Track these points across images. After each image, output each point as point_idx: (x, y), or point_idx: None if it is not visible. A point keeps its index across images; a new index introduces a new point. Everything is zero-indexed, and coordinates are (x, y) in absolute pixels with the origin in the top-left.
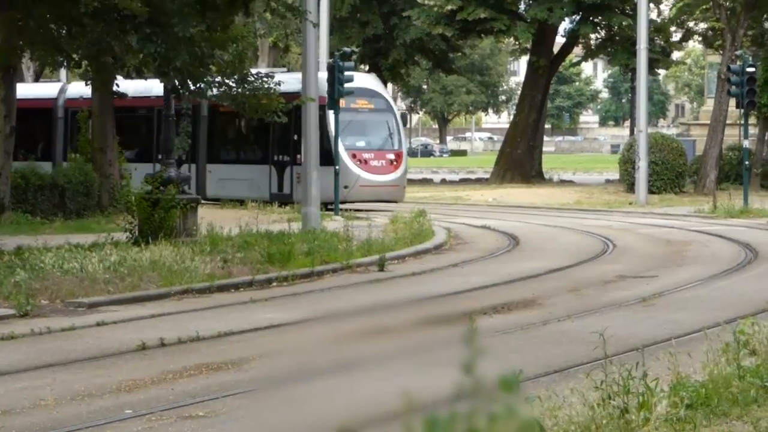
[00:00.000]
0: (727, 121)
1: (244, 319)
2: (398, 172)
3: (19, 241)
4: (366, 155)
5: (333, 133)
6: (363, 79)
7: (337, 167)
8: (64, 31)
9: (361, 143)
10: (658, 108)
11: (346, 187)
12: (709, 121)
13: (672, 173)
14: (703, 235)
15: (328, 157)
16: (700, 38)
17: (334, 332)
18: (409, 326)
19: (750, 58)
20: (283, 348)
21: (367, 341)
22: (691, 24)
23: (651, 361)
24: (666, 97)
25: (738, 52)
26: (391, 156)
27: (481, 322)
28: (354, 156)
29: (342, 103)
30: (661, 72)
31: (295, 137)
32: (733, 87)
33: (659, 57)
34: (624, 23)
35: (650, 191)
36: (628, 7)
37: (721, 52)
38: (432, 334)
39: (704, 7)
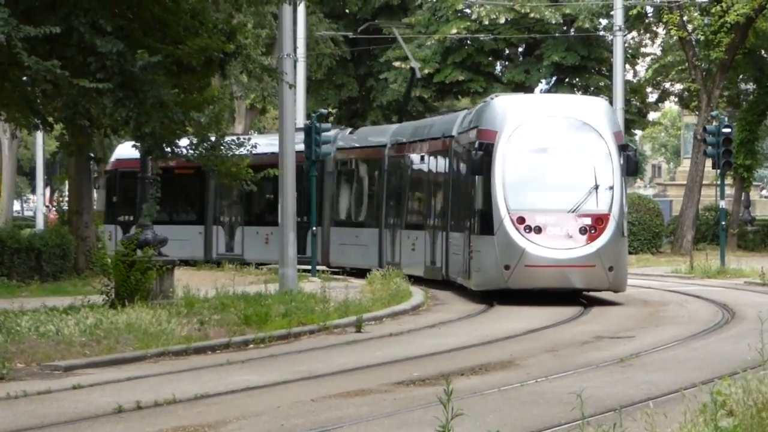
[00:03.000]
0: (704, 182)
1: (220, 381)
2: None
3: None
4: (542, 219)
5: (497, 193)
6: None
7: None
8: (39, 93)
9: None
10: None
11: (507, 267)
12: (685, 182)
13: (649, 233)
14: (680, 296)
15: (487, 222)
16: (676, 99)
17: (311, 394)
18: (387, 387)
19: (726, 119)
20: (260, 410)
21: (345, 402)
22: (667, 85)
23: (628, 422)
24: (642, 157)
25: (714, 113)
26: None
27: (458, 383)
28: (521, 220)
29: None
30: (638, 132)
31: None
32: (710, 147)
33: (635, 118)
34: (601, 83)
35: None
36: (604, 68)
37: (697, 112)
38: (409, 395)
39: (680, 68)
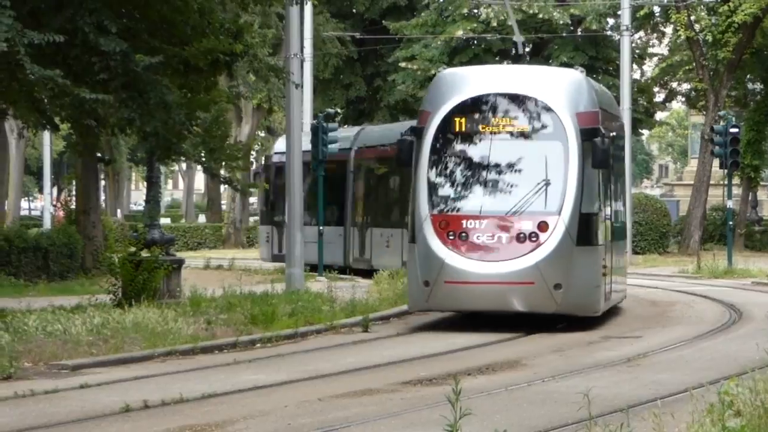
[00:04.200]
0: (711, 182)
1: (228, 380)
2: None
3: (3, 304)
4: (470, 223)
5: (420, 191)
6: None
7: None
8: (45, 95)
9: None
10: (641, 168)
11: (426, 283)
12: (692, 182)
13: (656, 234)
14: (687, 296)
15: (412, 227)
16: (683, 99)
17: (318, 393)
18: (394, 387)
19: (733, 119)
20: (267, 409)
21: (352, 402)
22: (674, 84)
23: (636, 422)
24: (650, 157)
25: (721, 113)
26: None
27: (466, 383)
28: (445, 225)
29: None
30: (645, 132)
31: None
32: (717, 147)
33: (642, 117)
34: (608, 83)
35: (634, 252)
36: (611, 68)
37: (704, 112)
38: (417, 394)
39: (687, 67)
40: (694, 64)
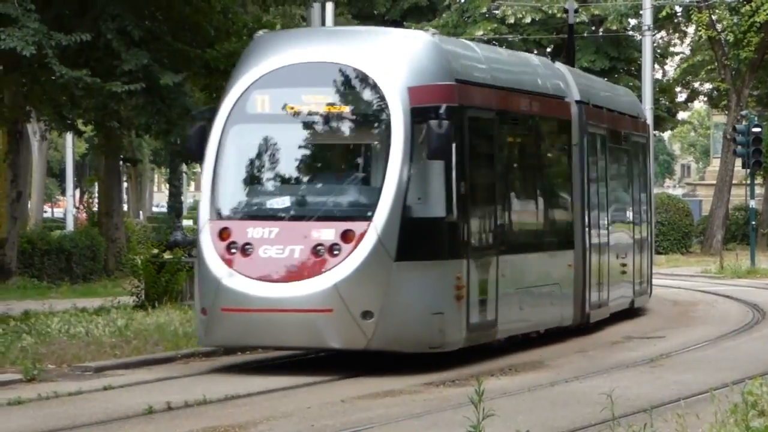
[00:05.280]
0: (734, 181)
1: (251, 381)
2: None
3: (26, 306)
4: (256, 231)
5: (202, 190)
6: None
7: None
8: (66, 99)
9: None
10: (663, 168)
11: (204, 311)
12: (715, 181)
13: (678, 233)
14: (710, 296)
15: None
16: (705, 98)
17: (341, 394)
18: (417, 388)
19: (756, 118)
20: (290, 410)
21: (375, 403)
22: (696, 84)
23: (659, 422)
24: (672, 157)
25: (743, 112)
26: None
27: (488, 384)
28: (225, 234)
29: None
30: (667, 132)
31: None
32: (739, 147)
33: (665, 116)
34: (630, 84)
35: (657, 251)
36: (633, 68)
37: (726, 112)
38: (439, 395)
39: (709, 67)
40: (716, 64)
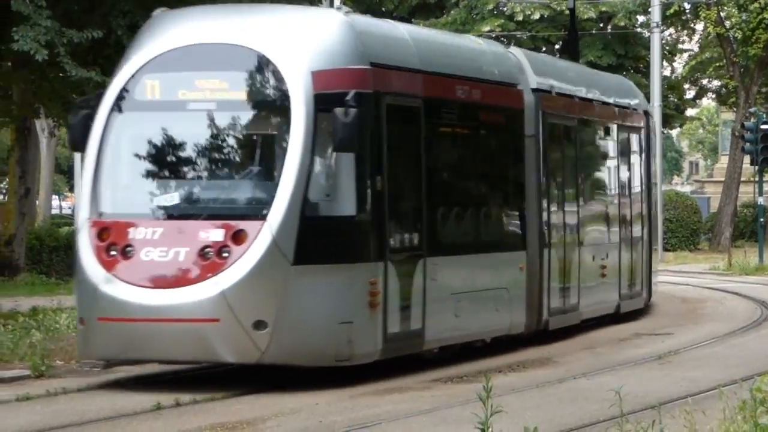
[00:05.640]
0: (742, 178)
1: (259, 377)
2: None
3: (34, 302)
4: (138, 232)
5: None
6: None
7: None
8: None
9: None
10: (672, 165)
11: (82, 321)
12: (723, 179)
13: (687, 230)
14: (718, 293)
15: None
16: (713, 95)
17: (349, 391)
18: (425, 384)
19: (764, 115)
20: (298, 407)
21: (383, 399)
22: (704, 81)
23: (667, 419)
24: (680, 154)
25: (752, 109)
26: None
27: (496, 380)
28: (104, 235)
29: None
30: (675, 130)
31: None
32: (748, 144)
33: (673, 113)
34: (637, 81)
35: (665, 248)
36: (641, 65)
37: (734, 109)
38: (447, 392)
39: (717, 64)
40: (724, 61)
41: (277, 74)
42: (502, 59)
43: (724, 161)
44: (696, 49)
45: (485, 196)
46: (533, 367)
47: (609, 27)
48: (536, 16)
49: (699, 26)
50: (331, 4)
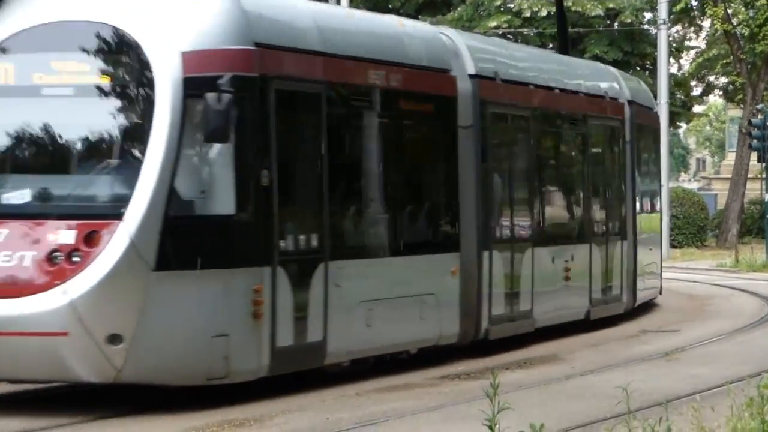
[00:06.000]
0: (749, 175)
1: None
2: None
3: None
4: None
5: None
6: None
7: None
8: None
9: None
10: (679, 162)
11: None
12: (730, 175)
13: (693, 227)
14: (725, 289)
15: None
16: (720, 92)
17: (356, 388)
18: (432, 381)
19: None
20: (305, 404)
21: (390, 396)
22: (711, 78)
23: (674, 416)
24: (687, 151)
25: (759, 106)
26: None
27: (503, 377)
28: None
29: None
30: (682, 127)
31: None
32: (755, 141)
33: (680, 111)
34: (644, 79)
35: (672, 245)
36: (648, 62)
37: (742, 106)
38: (454, 389)
39: (724, 61)
40: (731, 58)
41: (141, 55)
42: (432, 42)
43: (731, 158)
44: (703, 46)
45: (405, 193)
46: (540, 364)
47: (616, 24)
48: (543, 12)
49: (706, 23)
50: (338, 2)
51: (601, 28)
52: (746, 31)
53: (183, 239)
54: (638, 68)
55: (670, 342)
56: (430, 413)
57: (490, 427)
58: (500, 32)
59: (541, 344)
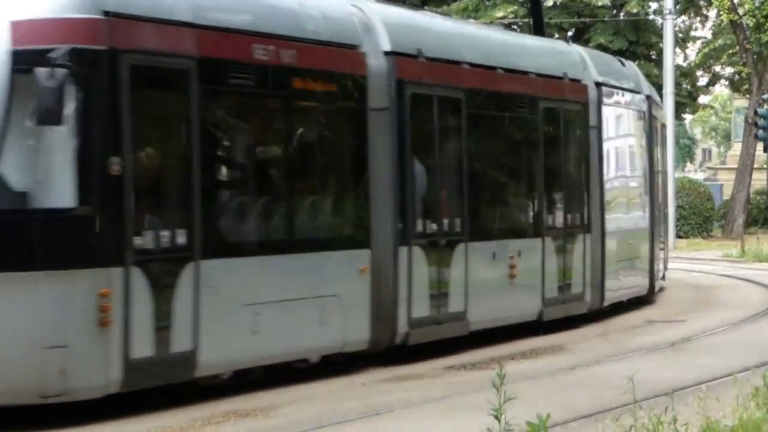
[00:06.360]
0: (755, 165)
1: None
2: None
3: None
4: None
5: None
6: None
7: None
8: None
9: None
10: (684, 152)
11: None
12: (736, 166)
13: (699, 218)
14: (731, 280)
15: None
16: (726, 83)
17: (362, 378)
18: (438, 372)
19: None
20: (312, 394)
21: (396, 386)
22: (717, 68)
23: (680, 406)
24: (693, 141)
25: (765, 96)
26: None
27: (509, 368)
28: None
29: None
30: (688, 117)
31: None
32: (761, 131)
33: (686, 101)
34: (649, 70)
35: (678, 236)
36: (653, 53)
37: (748, 96)
38: (460, 379)
39: (731, 51)
40: (737, 48)
41: None
42: (335, 15)
43: (737, 148)
44: (709, 36)
45: (297, 183)
46: (546, 355)
47: (622, 14)
48: (549, 2)
49: (712, 13)
50: None
51: (606, 18)
52: (752, 22)
53: (10, 236)
54: (644, 58)
55: (676, 332)
56: (436, 403)
57: (497, 417)
58: (506, 22)
59: (547, 335)
